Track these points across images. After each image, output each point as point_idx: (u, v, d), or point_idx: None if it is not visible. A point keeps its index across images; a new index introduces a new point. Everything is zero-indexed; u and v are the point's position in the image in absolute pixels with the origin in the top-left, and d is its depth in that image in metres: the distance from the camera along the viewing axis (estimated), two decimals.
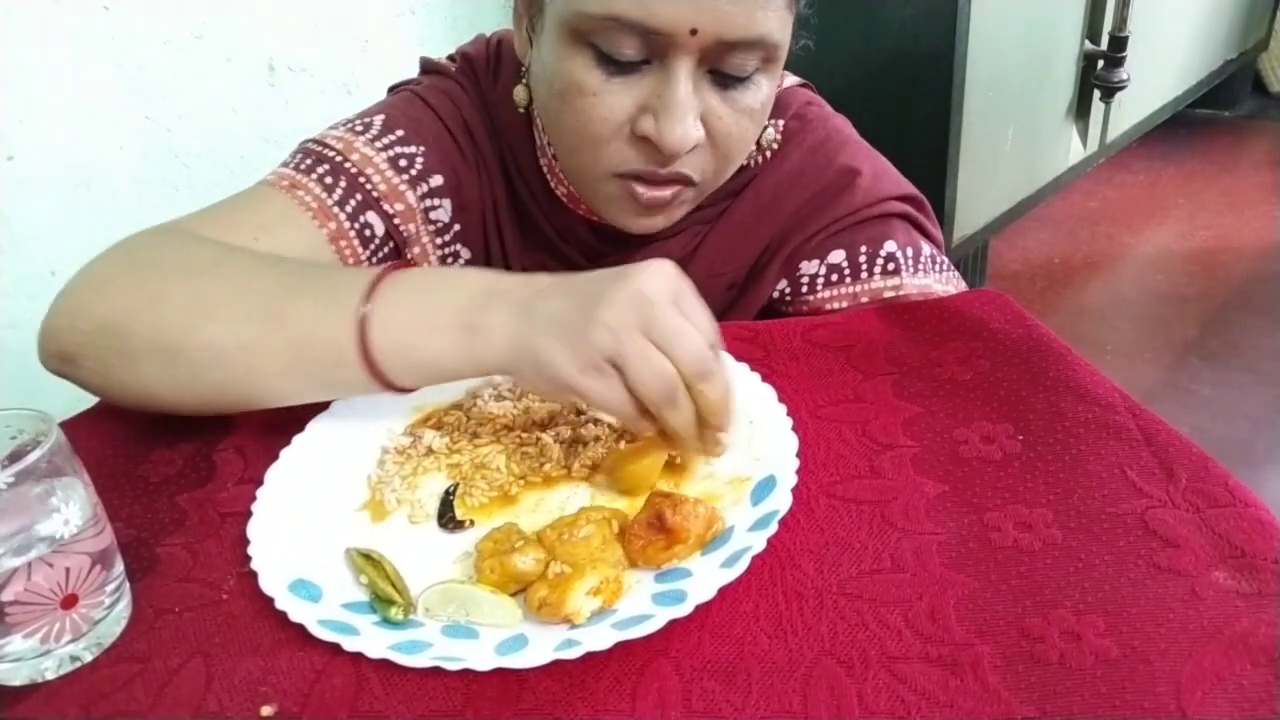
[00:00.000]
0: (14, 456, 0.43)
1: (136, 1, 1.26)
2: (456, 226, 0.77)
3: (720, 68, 0.60)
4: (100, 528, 0.45)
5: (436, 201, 0.75)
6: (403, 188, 0.73)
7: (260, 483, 0.53)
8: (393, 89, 0.80)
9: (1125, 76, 2.07)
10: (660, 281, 0.50)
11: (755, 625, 0.43)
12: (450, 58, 0.80)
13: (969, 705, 0.38)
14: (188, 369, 0.55)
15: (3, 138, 1.18)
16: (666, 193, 0.65)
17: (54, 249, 1.22)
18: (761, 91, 0.63)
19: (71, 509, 0.44)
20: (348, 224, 0.70)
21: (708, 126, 0.62)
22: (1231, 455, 1.68)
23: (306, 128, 1.29)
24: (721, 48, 0.58)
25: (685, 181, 0.65)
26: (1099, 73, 2.07)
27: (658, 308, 0.49)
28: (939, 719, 0.38)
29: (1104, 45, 2.05)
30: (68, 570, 0.43)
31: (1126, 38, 2.02)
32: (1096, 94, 2.12)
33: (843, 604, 0.44)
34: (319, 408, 0.59)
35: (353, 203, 0.71)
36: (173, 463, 0.58)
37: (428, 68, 0.80)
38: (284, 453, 0.55)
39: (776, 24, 0.60)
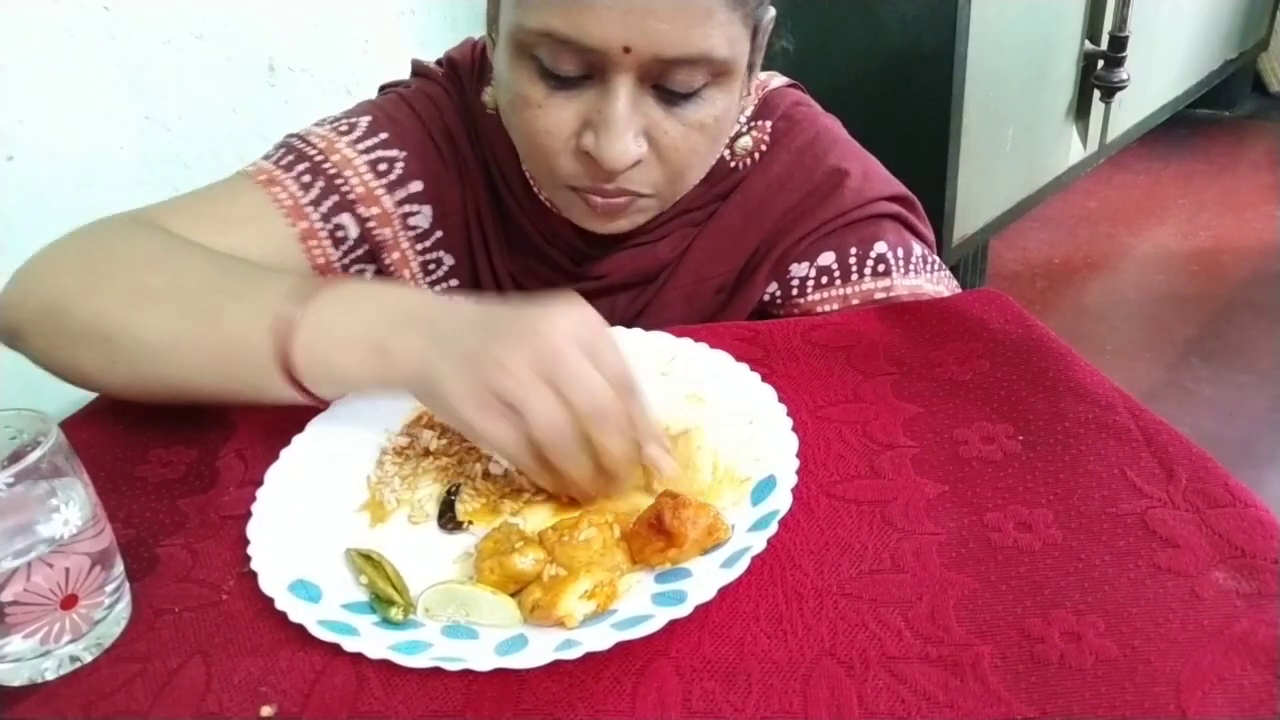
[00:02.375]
0: (14, 457, 0.43)
1: (136, 1, 1.26)
2: (438, 233, 0.77)
3: (664, 84, 0.60)
4: (100, 528, 0.45)
5: (415, 208, 0.75)
6: (380, 192, 0.73)
7: (261, 485, 0.53)
8: (383, 89, 0.81)
9: (1125, 76, 2.07)
10: (570, 326, 0.49)
11: (755, 625, 0.43)
12: (438, 62, 0.80)
13: (969, 705, 0.38)
14: (121, 357, 0.57)
15: (3, 138, 1.18)
16: (620, 200, 0.65)
17: None
18: (714, 106, 0.62)
19: (71, 509, 0.44)
20: (320, 224, 0.71)
21: (654, 142, 0.62)
22: (1232, 455, 1.68)
23: None
24: (661, 65, 0.58)
25: (634, 195, 0.65)
26: (1099, 73, 2.07)
27: (561, 353, 0.47)
28: (939, 719, 0.38)
29: (1104, 45, 2.05)
30: (67, 570, 0.43)
31: (1126, 38, 2.02)
32: (1096, 94, 2.12)
33: (843, 604, 0.44)
34: (318, 409, 0.59)
35: (328, 203, 0.71)
36: (174, 466, 0.58)
37: (417, 70, 0.80)
38: (284, 453, 0.55)
39: (721, 40, 0.58)
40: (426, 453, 0.57)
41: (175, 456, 0.59)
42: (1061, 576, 0.44)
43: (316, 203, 0.71)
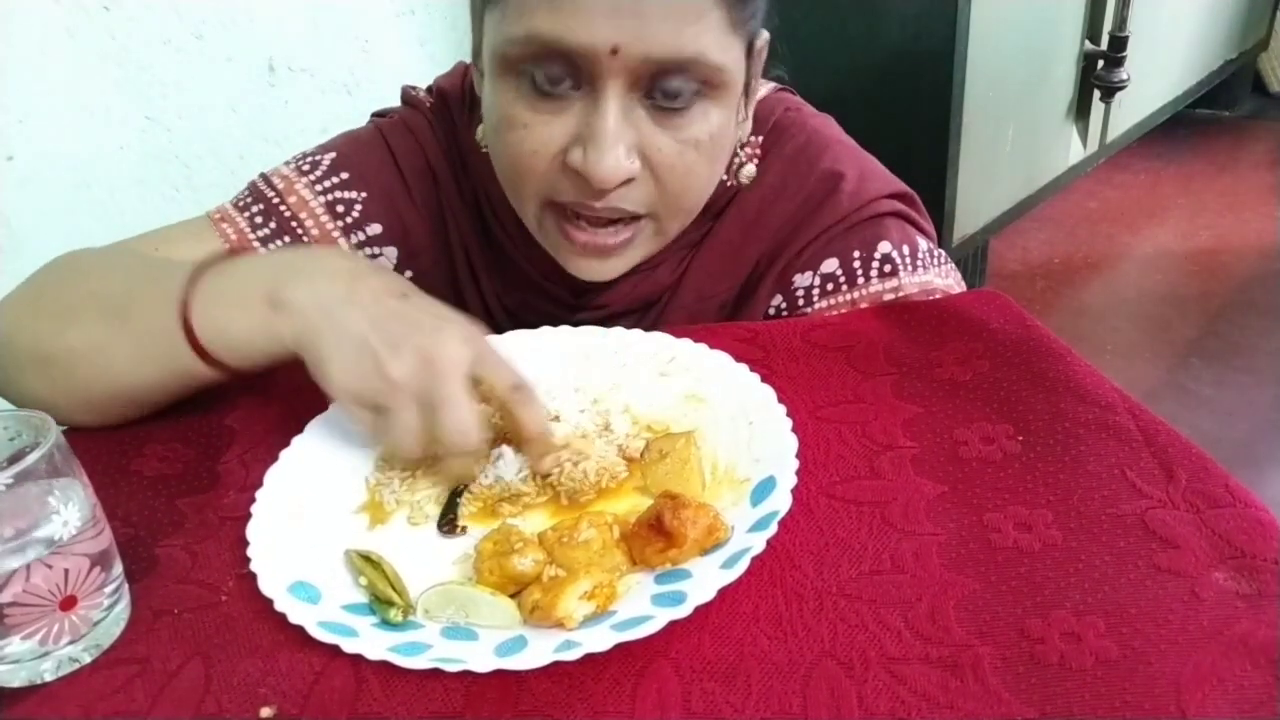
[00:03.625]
0: (13, 458, 0.43)
1: (136, 1, 1.26)
2: (407, 274, 0.76)
3: (655, 95, 0.58)
4: (99, 529, 0.45)
5: (376, 250, 0.75)
6: (336, 234, 0.74)
7: (260, 486, 0.53)
8: (375, 115, 0.80)
9: (1125, 76, 2.07)
10: (455, 349, 0.51)
11: (755, 626, 0.43)
12: (429, 90, 0.79)
13: (969, 706, 0.38)
14: (58, 372, 0.59)
15: (3, 138, 1.18)
16: (612, 240, 0.63)
17: (54, 249, 1.21)
18: (709, 122, 0.60)
19: (70, 510, 0.44)
20: None
21: (648, 159, 0.60)
22: (1231, 455, 1.68)
23: (306, 128, 1.29)
24: (651, 69, 0.56)
25: (625, 218, 0.63)
26: (1099, 73, 2.07)
27: (441, 378, 0.50)
28: None
29: (1104, 45, 2.05)
30: (66, 571, 0.43)
31: (1126, 38, 2.02)
32: (1096, 94, 2.12)
33: (842, 605, 0.44)
34: (319, 408, 0.59)
35: (278, 243, 0.72)
36: (171, 463, 0.58)
37: (406, 99, 0.79)
38: (283, 454, 0.55)
39: (712, 44, 0.56)
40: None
41: (172, 454, 0.59)
42: (1061, 577, 0.44)
43: (265, 241, 0.72)
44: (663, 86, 0.57)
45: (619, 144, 0.58)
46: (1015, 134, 1.92)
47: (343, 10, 1.50)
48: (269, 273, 0.56)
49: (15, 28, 1.16)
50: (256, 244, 0.71)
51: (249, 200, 0.73)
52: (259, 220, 0.72)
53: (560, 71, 0.57)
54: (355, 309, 0.53)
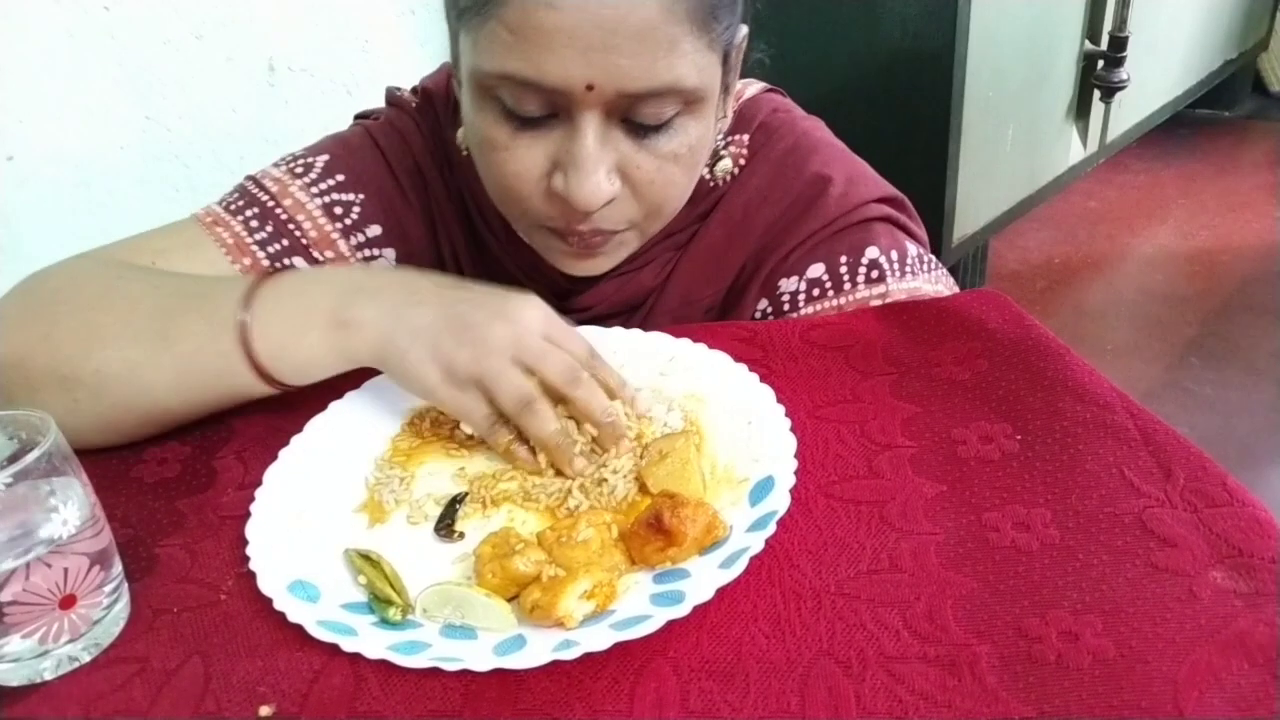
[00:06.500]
0: (13, 457, 0.43)
1: (136, 1, 1.26)
2: None
3: (632, 117, 0.58)
4: (98, 528, 0.45)
5: (376, 252, 0.75)
6: (335, 236, 0.73)
7: (260, 485, 0.53)
8: (358, 116, 0.80)
9: (1125, 76, 2.07)
10: (528, 315, 0.55)
11: (753, 626, 0.43)
12: (414, 90, 0.79)
13: (967, 705, 0.38)
14: (85, 395, 0.57)
15: (3, 138, 1.18)
16: (596, 238, 0.64)
17: (54, 249, 1.21)
18: (688, 135, 0.60)
19: (70, 509, 0.44)
20: (266, 263, 0.70)
21: (628, 177, 0.60)
22: (1231, 455, 1.68)
23: (306, 128, 1.28)
24: (626, 99, 0.56)
25: (610, 234, 0.64)
26: (1099, 73, 2.07)
27: (524, 337, 0.54)
28: (937, 719, 0.38)
29: (1104, 45, 2.05)
30: (66, 571, 0.43)
31: (1126, 38, 2.02)
32: (1096, 94, 2.12)
33: (841, 604, 0.44)
34: (319, 407, 0.59)
35: (277, 246, 0.71)
36: (170, 464, 0.58)
37: (390, 100, 0.79)
38: (282, 453, 0.55)
39: (688, 69, 0.56)
40: (468, 437, 0.58)
41: (170, 454, 0.59)
42: (1059, 576, 0.44)
43: (264, 244, 0.71)
44: (640, 111, 0.58)
45: (599, 168, 0.58)
46: (1015, 134, 1.92)
47: (343, 10, 1.50)
48: (330, 295, 0.56)
49: (15, 28, 1.16)
50: (255, 248, 0.70)
51: (241, 204, 0.72)
52: (254, 224, 0.71)
53: (536, 103, 0.57)
54: (421, 306, 0.55)
